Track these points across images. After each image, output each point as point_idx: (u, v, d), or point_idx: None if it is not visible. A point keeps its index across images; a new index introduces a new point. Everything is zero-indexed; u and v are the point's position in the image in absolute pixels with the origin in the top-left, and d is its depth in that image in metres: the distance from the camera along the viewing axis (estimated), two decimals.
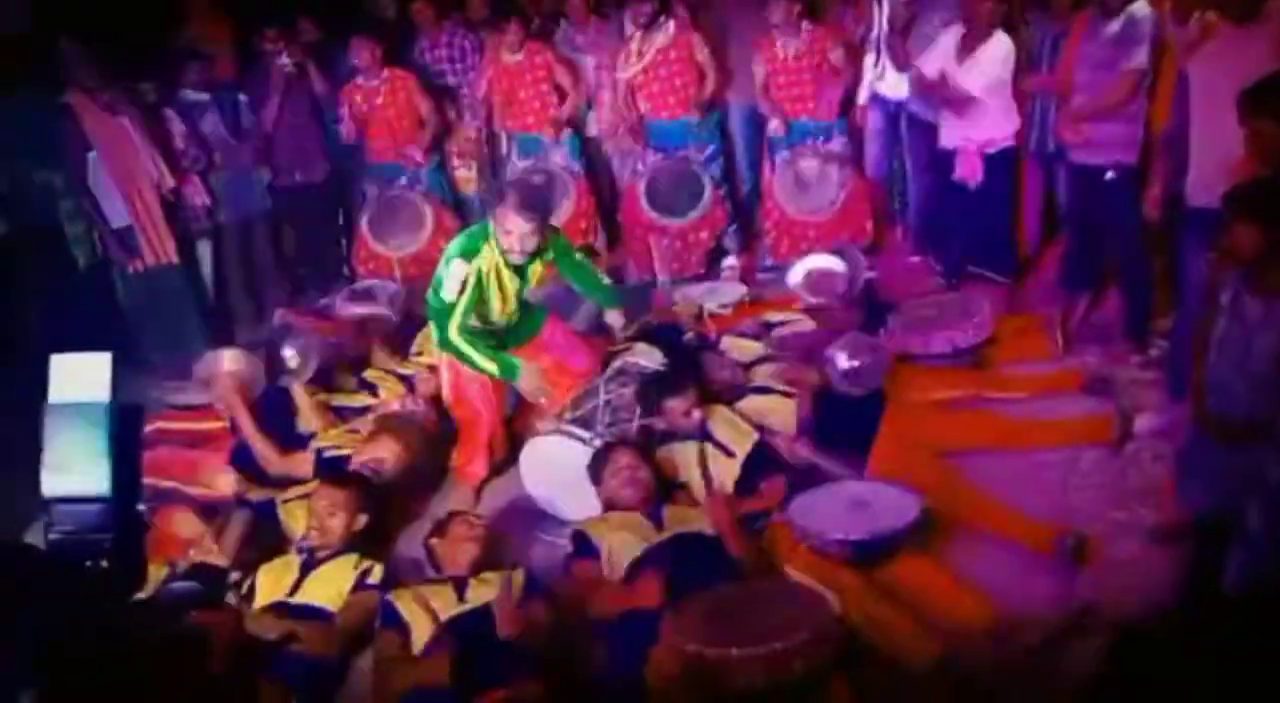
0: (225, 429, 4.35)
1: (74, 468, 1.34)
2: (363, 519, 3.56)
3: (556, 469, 3.87)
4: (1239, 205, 2.82)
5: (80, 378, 1.36)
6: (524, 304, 4.14)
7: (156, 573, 3.20)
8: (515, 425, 4.27)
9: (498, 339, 4.06)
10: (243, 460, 4.13)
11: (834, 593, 3.03)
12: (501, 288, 3.93)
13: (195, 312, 5.38)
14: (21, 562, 1.24)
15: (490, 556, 3.42)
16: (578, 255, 4.30)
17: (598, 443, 3.77)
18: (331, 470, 3.87)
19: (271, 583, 3.37)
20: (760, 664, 2.62)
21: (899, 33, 5.07)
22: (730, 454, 3.78)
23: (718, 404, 3.98)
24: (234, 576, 3.42)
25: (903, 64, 5.11)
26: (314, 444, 4.12)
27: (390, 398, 4.45)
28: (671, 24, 5.54)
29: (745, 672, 2.62)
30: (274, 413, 4.22)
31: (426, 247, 5.63)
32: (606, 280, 4.35)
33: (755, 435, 3.88)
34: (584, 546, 3.38)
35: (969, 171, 4.82)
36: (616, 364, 4.20)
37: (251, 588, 3.38)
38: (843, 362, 4.06)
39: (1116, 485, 3.65)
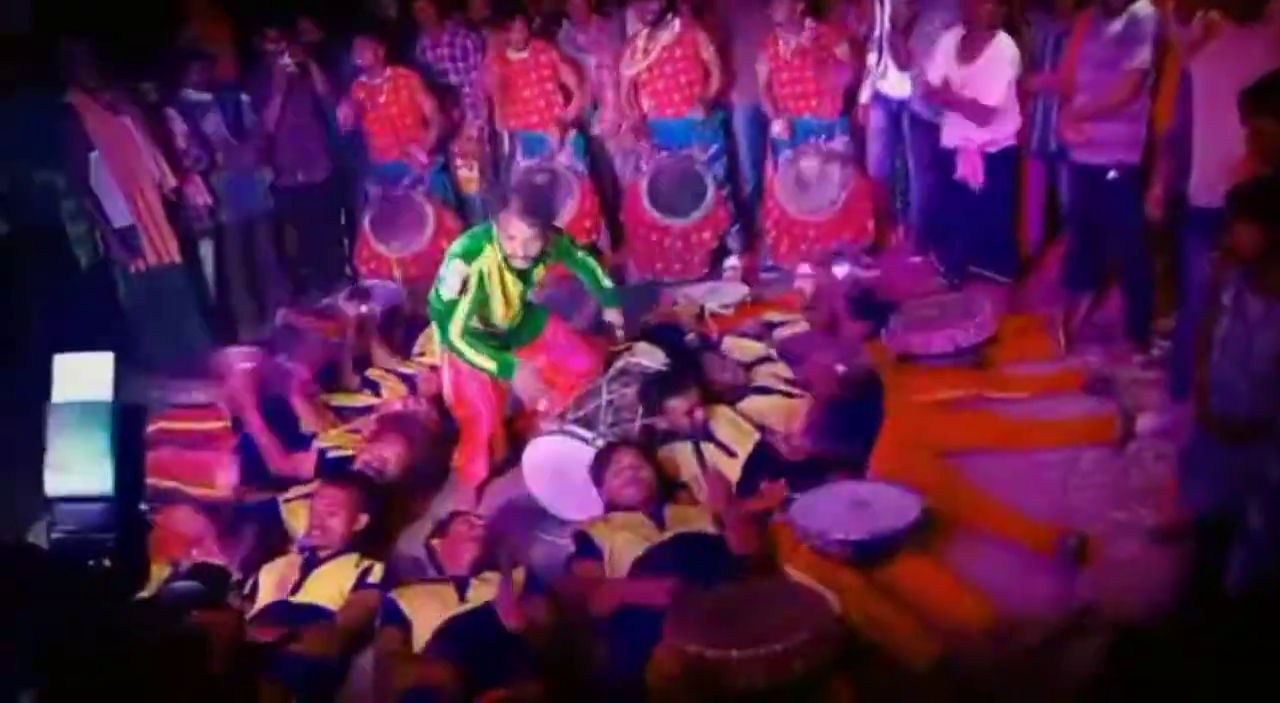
0: (227, 429, 4.36)
1: (77, 468, 1.34)
2: (363, 519, 3.56)
3: (559, 469, 3.88)
4: (1240, 204, 2.82)
5: (83, 378, 1.36)
6: (526, 305, 4.14)
7: (159, 573, 3.21)
8: (517, 426, 4.27)
9: (500, 340, 4.06)
10: (245, 460, 4.13)
11: (834, 593, 3.03)
12: (504, 291, 3.93)
13: (197, 311, 5.38)
14: (23, 561, 1.24)
15: (491, 555, 3.42)
16: (580, 252, 4.30)
17: (600, 443, 3.77)
18: (333, 470, 3.88)
19: (273, 583, 3.38)
20: (761, 665, 2.62)
21: (900, 31, 5.07)
22: (731, 454, 3.79)
23: (719, 404, 3.99)
24: (236, 575, 3.43)
25: (904, 63, 5.11)
26: (317, 444, 4.13)
27: (392, 398, 4.46)
28: (677, 22, 5.54)
29: (746, 672, 2.62)
30: (278, 414, 4.23)
31: (428, 247, 5.63)
32: (608, 282, 4.35)
33: (756, 436, 3.88)
34: (586, 546, 3.39)
35: (970, 171, 4.81)
36: (619, 364, 4.20)
37: (253, 588, 3.39)
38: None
39: (1118, 485, 3.65)
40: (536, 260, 3.94)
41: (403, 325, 5.10)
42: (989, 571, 3.27)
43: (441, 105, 5.84)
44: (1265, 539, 2.76)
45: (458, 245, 3.92)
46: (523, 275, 3.96)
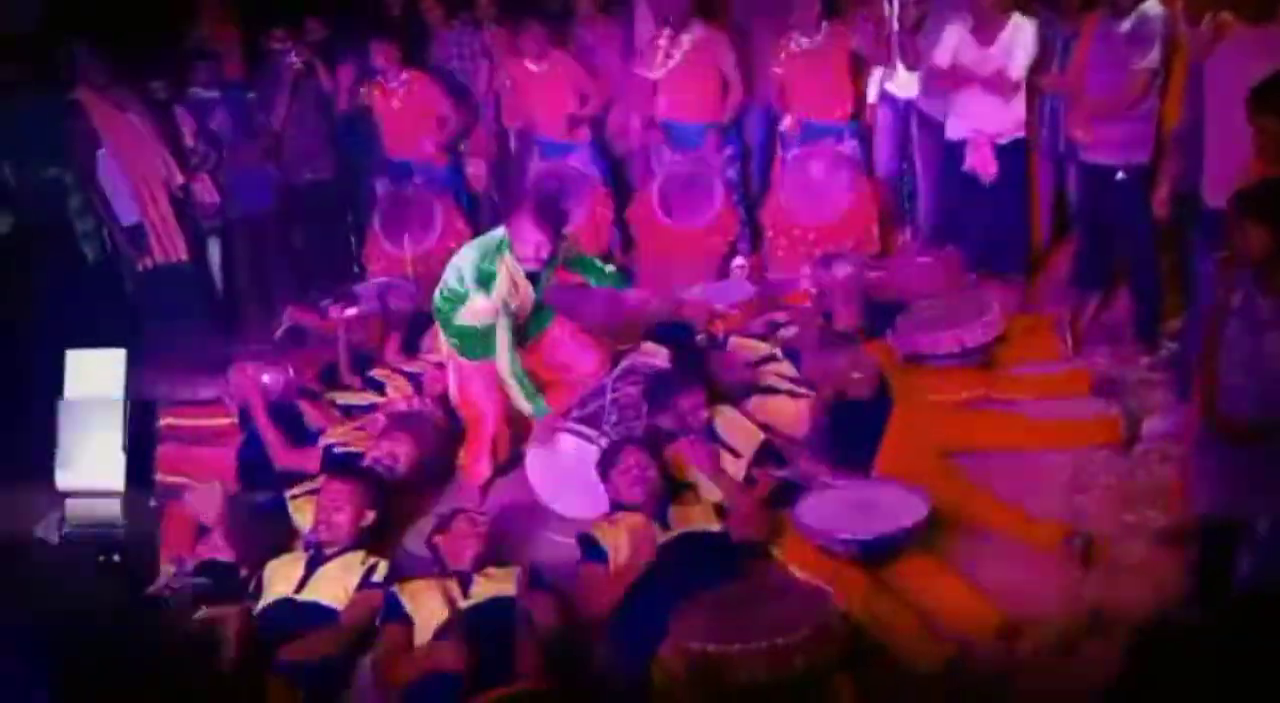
0: (233, 425, 4.38)
1: (88, 463, 1.35)
2: (369, 516, 3.56)
3: (562, 467, 3.88)
4: (1248, 206, 2.81)
5: (95, 374, 1.37)
6: (534, 303, 4.15)
7: (164, 570, 3.21)
8: (520, 425, 4.27)
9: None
10: (250, 457, 4.15)
11: (840, 592, 3.02)
12: (521, 301, 3.95)
13: (204, 309, 5.40)
14: (32, 555, 1.25)
15: (493, 552, 3.42)
16: (582, 255, 4.32)
17: (603, 442, 3.77)
18: (339, 466, 3.88)
19: (279, 580, 3.39)
20: (763, 660, 2.62)
21: (909, 32, 5.06)
22: (737, 454, 3.78)
23: (725, 404, 3.98)
24: (243, 572, 3.44)
25: (913, 63, 5.10)
26: (323, 440, 4.14)
27: (396, 396, 4.46)
28: (699, 27, 5.52)
29: (748, 668, 2.63)
30: (284, 410, 4.24)
31: (435, 246, 5.64)
32: (611, 268, 4.37)
33: (761, 436, 3.88)
34: (591, 548, 3.39)
35: (981, 163, 4.80)
36: (626, 363, 4.21)
37: (259, 584, 3.39)
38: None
39: (1124, 487, 3.64)
40: (548, 264, 3.95)
41: (411, 324, 5.10)
42: (995, 571, 3.27)
43: (455, 106, 5.84)
44: (1272, 542, 2.76)
45: (468, 269, 3.88)
46: (533, 279, 3.97)
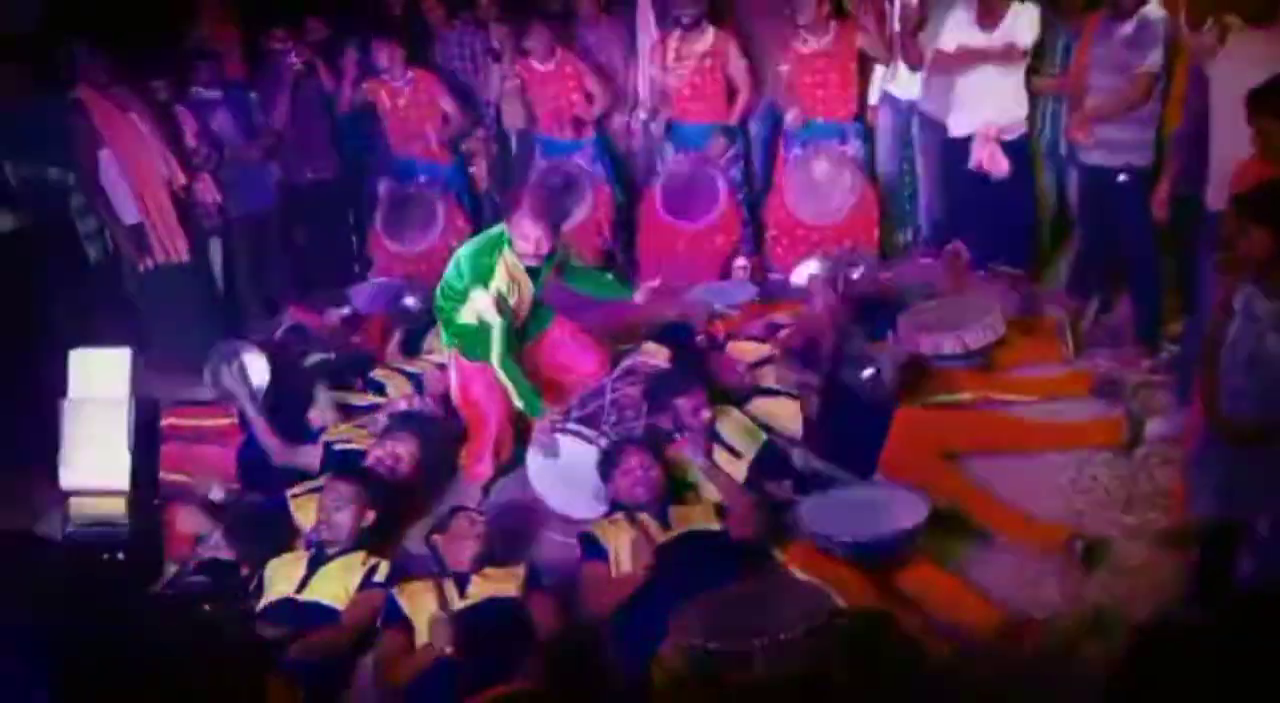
0: (234, 425, 4.38)
1: (93, 462, 1.35)
2: (370, 516, 3.57)
3: (563, 468, 3.88)
4: (1251, 209, 2.82)
5: (101, 373, 1.37)
6: (534, 303, 4.15)
7: (166, 569, 3.22)
8: (523, 425, 4.27)
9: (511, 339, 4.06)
10: (250, 457, 4.15)
11: (840, 593, 3.02)
12: (520, 296, 3.96)
13: (205, 309, 5.39)
14: (37, 553, 1.25)
15: (492, 552, 3.42)
16: (579, 265, 4.33)
17: (603, 442, 3.78)
18: (341, 465, 3.89)
19: (280, 579, 3.39)
20: (763, 659, 2.61)
21: (910, 33, 5.06)
22: (738, 455, 3.79)
23: (726, 405, 3.99)
24: (243, 571, 3.44)
25: (915, 64, 5.10)
26: (324, 438, 4.14)
27: (397, 396, 4.46)
28: (711, 30, 5.51)
29: (748, 667, 2.62)
30: (284, 407, 4.24)
31: (437, 244, 5.64)
32: (609, 276, 4.37)
33: (763, 437, 3.88)
34: (592, 547, 3.39)
35: (990, 159, 4.80)
36: (626, 363, 4.21)
37: (260, 584, 3.39)
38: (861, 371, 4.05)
39: (1126, 490, 3.64)
40: (547, 259, 3.95)
41: (412, 324, 5.10)
42: (996, 573, 3.28)
43: (460, 105, 5.84)
44: (1273, 543, 2.76)
45: (467, 265, 3.90)
46: (533, 275, 3.97)
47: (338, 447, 4.08)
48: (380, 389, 4.55)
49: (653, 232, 5.80)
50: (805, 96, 5.44)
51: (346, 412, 4.39)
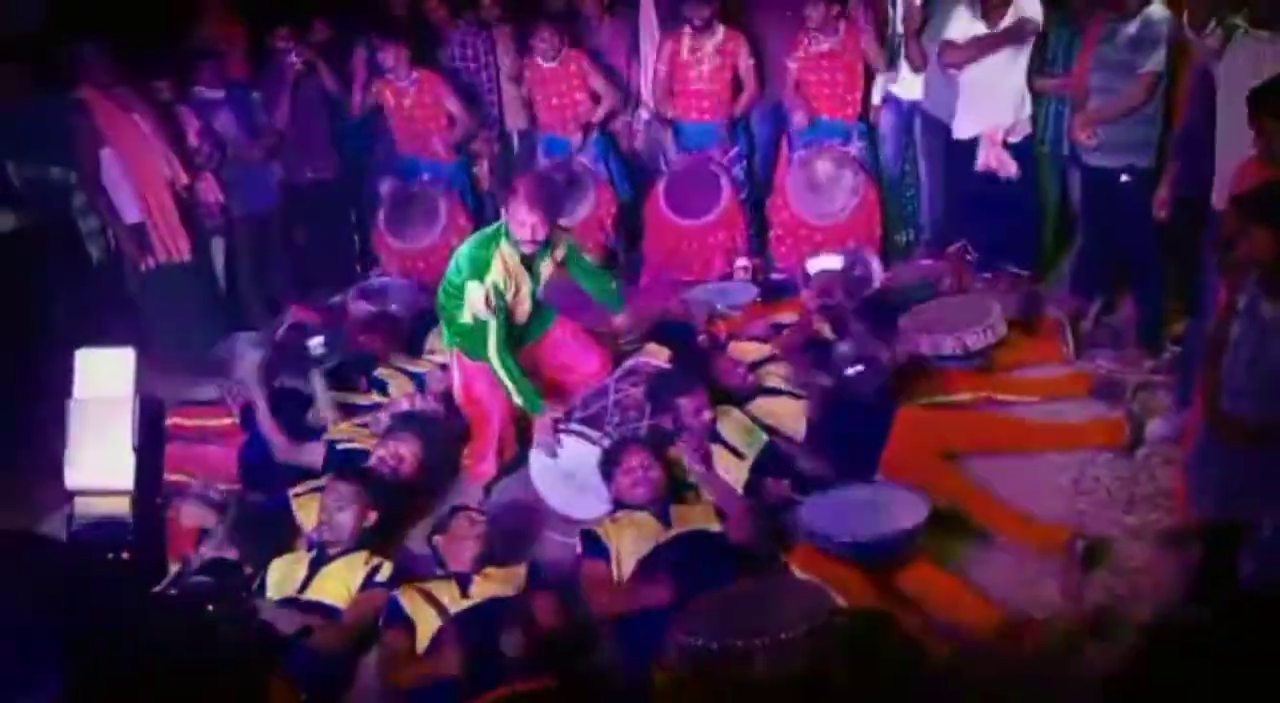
0: (235, 425, 4.38)
1: (98, 462, 1.35)
2: (372, 516, 3.57)
3: (566, 468, 3.88)
4: (1254, 210, 2.81)
5: (105, 373, 1.37)
6: (535, 303, 4.15)
7: (169, 568, 3.22)
8: (527, 425, 4.27)
9: (512, 339, 4.07)
10: (252, 458, 4.15)
11: (841, 593, 3.03)
12: (519, 292, 3.96)
13: (207, 308, 5.40)
14: (43, 553, 1.25)
15: (493, 551, 3.42)
16: (586, 258, 4.32)
17: (606, 443, 3.78)
18: (343, 464, 3.89)
19: (282, 579, 3.39)
20: (764, 658, 2.62)
21: (913, 34, 5.07)
22: (740, 456, 3.79)
23: (728, 405, 3.99)
24: (247, 570, 3.44)
25: (918, 64, 5.10)
26: (326, 437, 4.14)
27: (400, 396, 4.46)
28: (721, 29, 5.51)
29: (750, 664, 2.63)
30: (287, 405, 4.25)
31: (438, 243, 5.65)
32: (613, 285, 4.37)
33: (765, 438, 3.89)
34: (593, 546, 3.40)
35: (998, 161, 4.80)
36: (629, 363, 4.21)
37: (262, 584, 3.40)
38: (848, 367, 4.05)
39: (1128, 490, 3.64)
40: (544, 251, 3.96)
41: (414, 323, 5.10)
42: (996, 573, 3.28)
43: (465, 105, 5.85)
44: (1275, 544, 2.76)
45: (464, 260, 3.91)
46: (531, 271, 3.97)
47: (341, 446, 4.08)
48: (383, 388, 4.56)
49: (655, 228, 5.81)
50: (811, 96, 5.45)
51: (348, 411, 4.40)
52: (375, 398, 4.50)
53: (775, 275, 5.69)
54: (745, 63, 5.55)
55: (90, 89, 4.89)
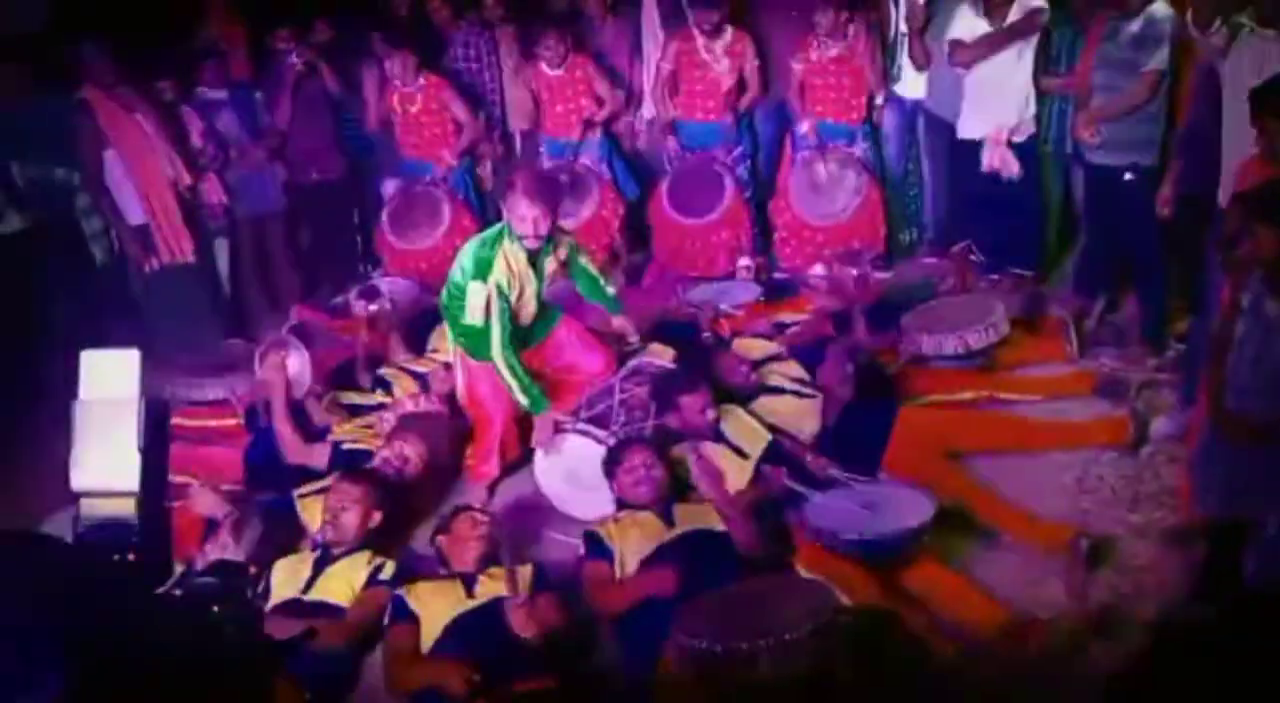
0: (240, 426, 4.39)
1: (103, 463, 1.35)
2: (377, 517, 3.56)
3: (571, 468, 3.88)
4: (1258, 208, 2.81)
5: (110, 374, 1.37)
6: (540, 304, 4.15)
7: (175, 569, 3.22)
8: (530, 425, 4.27)
9: (517, 340, 4.07)
10: (257, 459, 4.15)
11: (845, 592, 3.03)
12: (522, 292, 3.95)
13: (211, 309, 5.40)
14: (45, 554, 1.25)
15: (497, 551, 3.42)
16: (583, 259, 4.32)
17: (611, 443, 3.78)
18: (348, 465, 3.89)
19: (286, 579, 3.39)
20: (768, 659, 2.62)
21: (916, 34, 5.06)
22: (743, 455, 3.79)
23: (731, 404, 3.99)
24: (251, 571, 3.44)
25: (921, 64, 5.10)
26: (330, 438, 4.14)
27: (403, 396, 4.46)
28: (730, 30, 5.51)
29: (755, 665, 2.62)
30: (294, 405, 4.25)
31: (441, 243, 5.65)
32: (612, 289, 4.37)
33: (768, 437, 3.88)
34: (596, 547, 3.39)
35: (1002, 162, 4.80)
36: (633, 363, 4.21)
37: (266, 584, 3.40)
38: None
39: (1132, 488, 3.64)
40: (546, 248, 3.95)
41: (418, 322, 5.10)
42: (1001, 572, 3.27)
43: (471, 111, 5.85)
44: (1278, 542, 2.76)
45: (468, 261, 3.91)
46: (535, 269, 3.97)
47: (345, 447, 4.08)
48: (387, 388, 4.56)
49: (659, 227, 5.80)
50: (820, 99, 5.45)
51: (351, 410, 4.40)
52: (380, 398, 4.50)
53: (778, 275, 5.69)
54: (750, 63, 5.56)
55: (93, 89, 4.90)
